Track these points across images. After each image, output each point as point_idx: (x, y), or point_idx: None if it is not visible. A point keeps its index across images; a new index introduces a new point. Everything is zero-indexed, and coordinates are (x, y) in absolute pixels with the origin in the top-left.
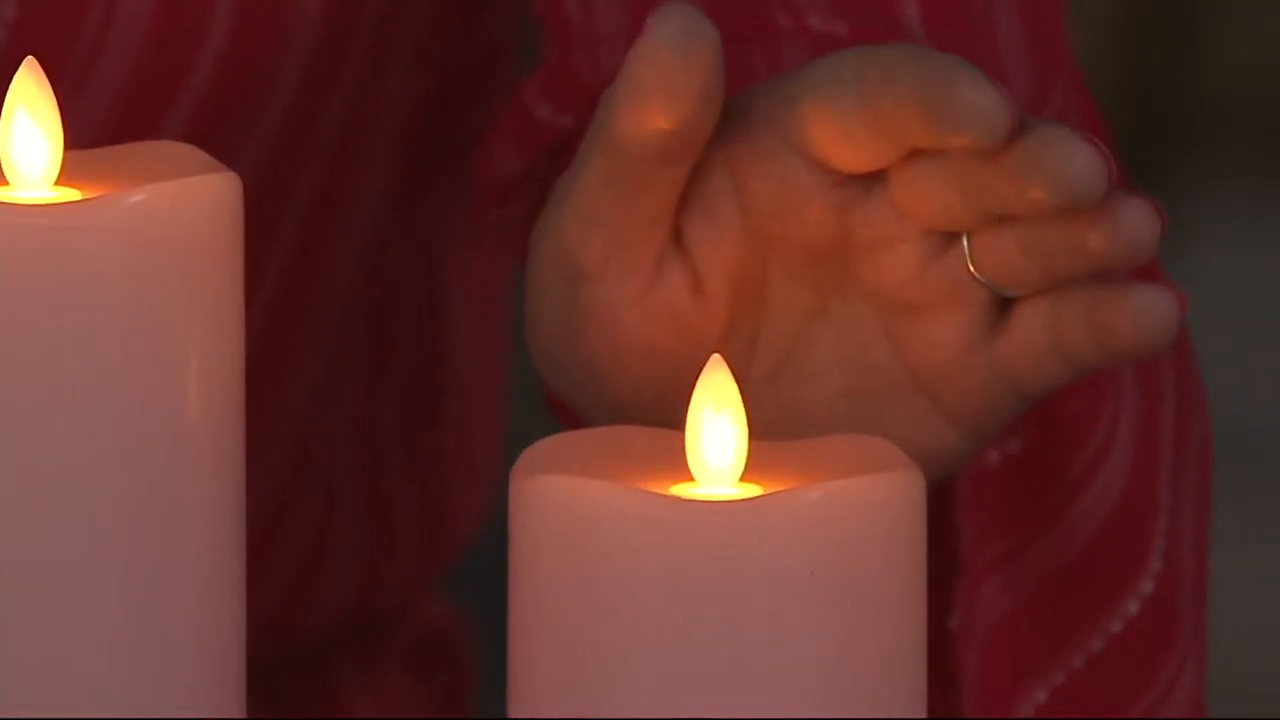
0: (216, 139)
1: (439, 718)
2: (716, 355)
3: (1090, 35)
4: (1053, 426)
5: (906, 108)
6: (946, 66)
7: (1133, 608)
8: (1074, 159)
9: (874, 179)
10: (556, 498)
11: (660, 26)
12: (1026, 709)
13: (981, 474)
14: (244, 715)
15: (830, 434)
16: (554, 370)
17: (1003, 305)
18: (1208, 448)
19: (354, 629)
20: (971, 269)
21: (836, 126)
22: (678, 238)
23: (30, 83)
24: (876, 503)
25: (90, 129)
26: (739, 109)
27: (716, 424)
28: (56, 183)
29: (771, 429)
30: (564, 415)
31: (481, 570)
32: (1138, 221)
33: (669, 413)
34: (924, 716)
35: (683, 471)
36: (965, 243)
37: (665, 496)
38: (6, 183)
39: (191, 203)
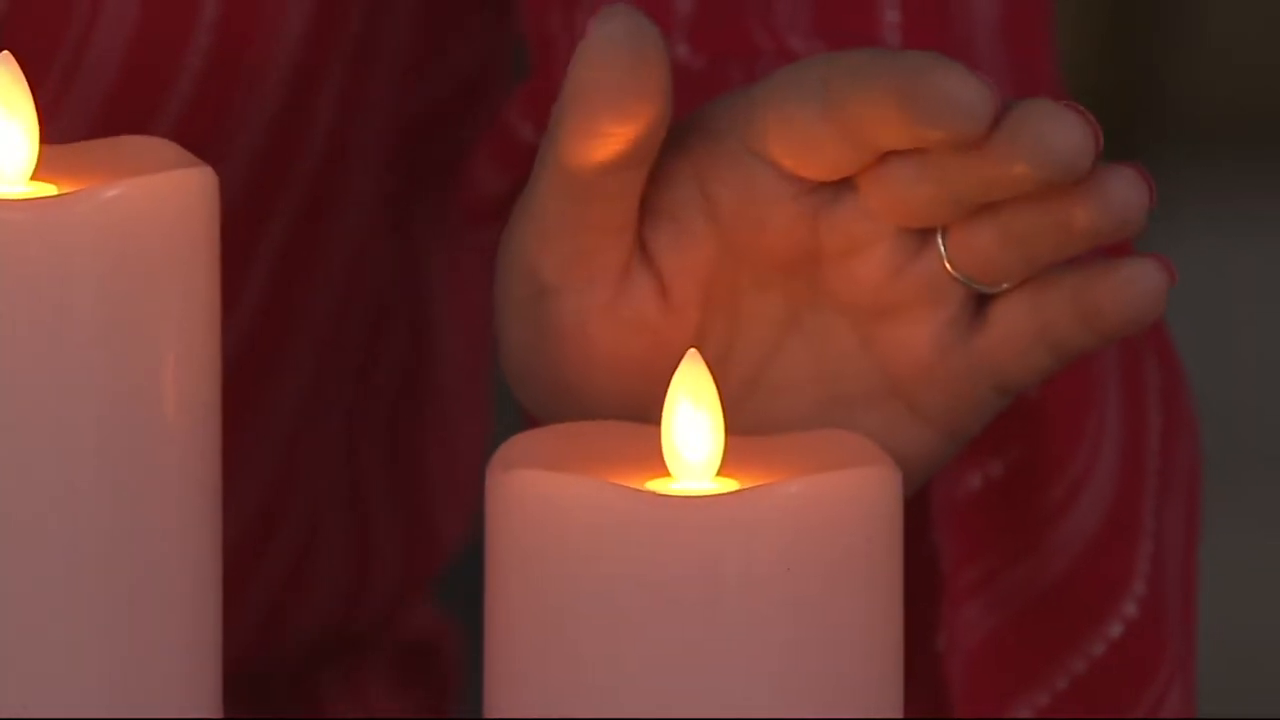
0: (205, 141)
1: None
2: (693, 350)
3: (1072, 36)
4: (1035, 448)
5: (881, 106)
6: (921, 60)
7: (1116, 630)
8: (1059, 130)
9: (843, 185)
10: (532, 492)
11: (601, 28)
12: None
13: (964, 497)
14: (220, 716)
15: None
16: (525, 386)
17: (979, 302)
18: (1196, 472)
19: (339, 638)
20: (948, 266)
21: (801, 133)
22: (644, 248)
23: (6, 77)
24: (853, 497)
25: (76, 136)
26: (704, 119)
27: (693, 419)
28: (33, 178)
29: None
30: None
31: (466, 579)
32: (1125, 192)
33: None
34: (900, 709)
35: (659, 466)
36: (940, 240)
37: (641, 491)
38: None
39: (167, 197)
